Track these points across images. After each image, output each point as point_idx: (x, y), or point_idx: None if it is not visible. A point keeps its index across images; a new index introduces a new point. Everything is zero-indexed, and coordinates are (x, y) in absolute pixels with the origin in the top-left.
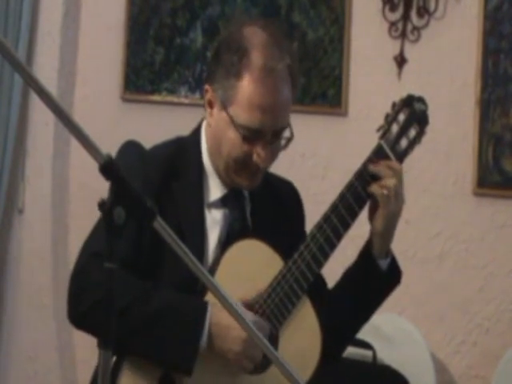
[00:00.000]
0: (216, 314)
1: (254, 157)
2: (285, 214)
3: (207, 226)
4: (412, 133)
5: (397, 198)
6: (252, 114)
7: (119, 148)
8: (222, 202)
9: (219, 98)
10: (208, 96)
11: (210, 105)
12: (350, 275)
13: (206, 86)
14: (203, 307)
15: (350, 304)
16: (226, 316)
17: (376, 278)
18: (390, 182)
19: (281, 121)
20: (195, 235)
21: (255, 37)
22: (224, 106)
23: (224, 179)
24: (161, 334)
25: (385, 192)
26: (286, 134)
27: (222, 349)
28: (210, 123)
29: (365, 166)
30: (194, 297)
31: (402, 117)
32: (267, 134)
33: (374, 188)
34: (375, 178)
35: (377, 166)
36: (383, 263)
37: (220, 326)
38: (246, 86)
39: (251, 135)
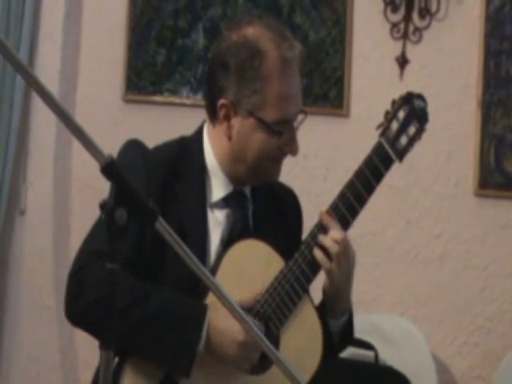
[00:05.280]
0: (214, 317)
1: (285, 148)
2: (285, 220)
3: (210, 226)
4: (412, 130)
5: (340, 266)
6: (282, 108)
7: (121, 147)
8: (225, 202)
9: (242, 107)
10: (224, 111)
11: (228, 118)
12: None
13: (222, 102)
14: (202, 311)
15: None
16: (224, 319)
17: (325, 333)
18: (334, 249)
19: (301, 102)
20: (198, 236)
21: (262, 35)
22: (250, 113)
23: (241, 181)
24: (159, 336)
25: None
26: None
27: (219, 353)
28: (227, 135)
29: (365, 164)
30: (193, 299)
31: (401, 114)
32: (294, 121)
33: (319, 256)
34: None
35: (323, 238)
36: (335, 324)
37: (217, 329)
38: (272, 85)
39: (281, 127)
